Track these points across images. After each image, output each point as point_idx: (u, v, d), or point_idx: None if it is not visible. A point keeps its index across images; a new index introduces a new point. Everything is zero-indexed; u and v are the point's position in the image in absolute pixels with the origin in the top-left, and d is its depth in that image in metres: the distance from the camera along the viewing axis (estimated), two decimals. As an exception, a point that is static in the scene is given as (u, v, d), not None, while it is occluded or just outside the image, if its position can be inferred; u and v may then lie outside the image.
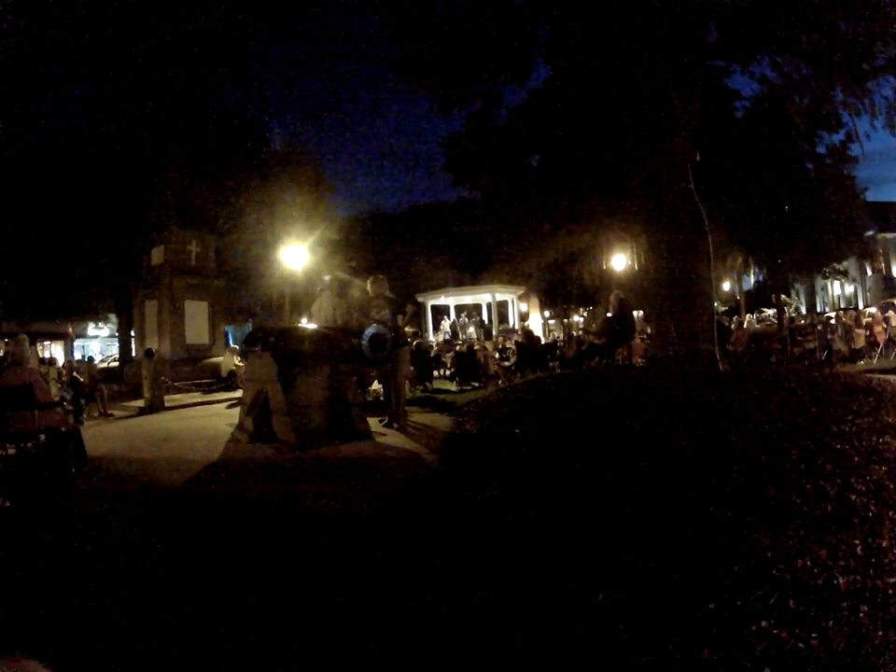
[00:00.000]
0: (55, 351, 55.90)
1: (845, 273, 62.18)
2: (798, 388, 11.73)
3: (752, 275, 61.89)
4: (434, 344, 34.64)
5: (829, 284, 73.00)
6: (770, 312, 57.14)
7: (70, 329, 55.98)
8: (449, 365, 27.79)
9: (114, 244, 37.15)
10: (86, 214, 36.20)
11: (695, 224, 15.96)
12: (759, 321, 52.67)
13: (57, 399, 15.72)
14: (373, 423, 13.47)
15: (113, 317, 50.12)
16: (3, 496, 8.79)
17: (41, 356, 44.88)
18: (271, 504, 8.59)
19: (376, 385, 17.27)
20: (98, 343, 64.42)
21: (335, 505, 8.28)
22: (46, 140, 37.62)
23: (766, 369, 17.78)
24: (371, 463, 10.68)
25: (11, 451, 11.25)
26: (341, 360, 13.16)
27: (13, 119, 31.77)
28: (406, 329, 16.00)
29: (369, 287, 14.16)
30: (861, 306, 60.18)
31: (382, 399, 15.71)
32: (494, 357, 27.89)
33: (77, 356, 50.49)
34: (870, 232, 56.40)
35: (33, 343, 44.57)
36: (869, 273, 74.84)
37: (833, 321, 34.73)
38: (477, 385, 23.21)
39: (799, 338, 30.99)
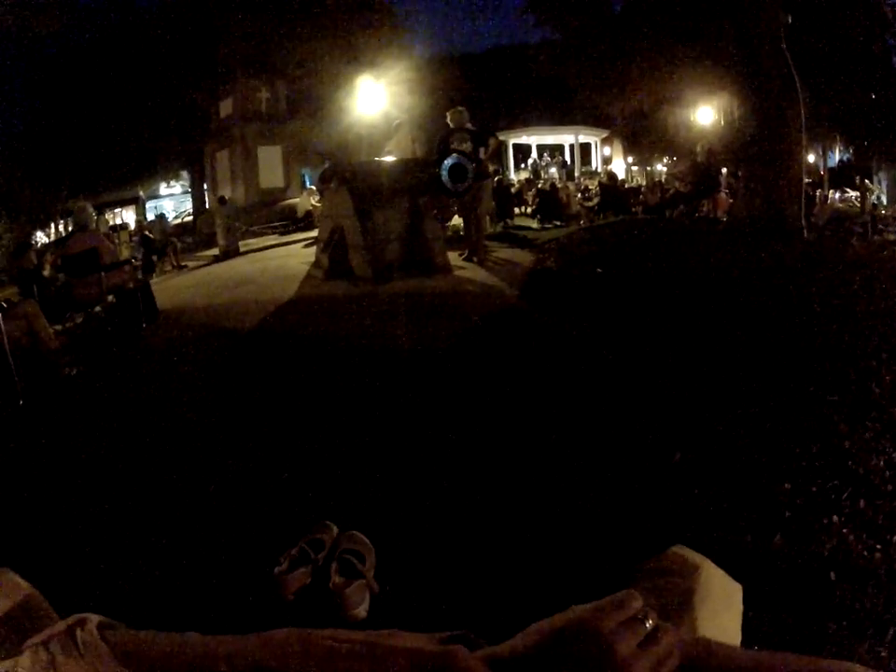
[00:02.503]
0: (127, 216, 56.13)
1: None
2: (882, 274, 11.09)
3: (838, 152, 60.44)
4: (516, 182, 34.11)
5: None
6: (852, 194, 55.82)
7: (141, 193, 56.08)
8: (530, 203, 27.32)
9: (181, 100, 36.63)
10: (150, 74, 35.60)
11: (787, 85, 15.33)
12: (840, 200, 51.70)
13: (127, 258, 15.57)
14: (453, 257, 13.06)
15: (184, 174, 50.04)
16: (70, 364, 8.42)
17: (112, 223, 44.98)
18: (345, 338, 8.30)
19: (456, 220, 16.76)
20: (171, 202, 64.46)
21: (412, 337, 8.09)
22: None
23: (849, 248, 17.23)
24: (449, 296, 10.40)
25: (79, 319, 10.94)
26: (419, 193, 12.59)
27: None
28: (488, 164, 15.44)
29: (449, 118, 13.49)
30: None
31: (461, 233, 15.17)
32: (576, 197, 27.28)
33: (151, 216, 50.55)
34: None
35: (102, 212, 44.94)
36: None
37: None
38: (558, 223, 22.60)
39: (880, 227, 30.02)
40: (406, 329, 8.33)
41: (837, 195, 50.35)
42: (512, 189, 27.85)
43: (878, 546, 3.59)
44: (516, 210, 25.86)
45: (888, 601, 3.18)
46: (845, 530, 3.71)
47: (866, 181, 48.62)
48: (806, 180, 47.01)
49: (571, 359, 6.62)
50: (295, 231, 24.25)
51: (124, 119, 36.32)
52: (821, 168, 60.30)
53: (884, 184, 69.88)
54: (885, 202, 57.84)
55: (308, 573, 2.73)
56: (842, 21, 33.58)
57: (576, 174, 41.90)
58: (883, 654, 2.85)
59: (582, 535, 3.60)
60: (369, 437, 5.02)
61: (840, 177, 57.97)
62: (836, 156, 62.06)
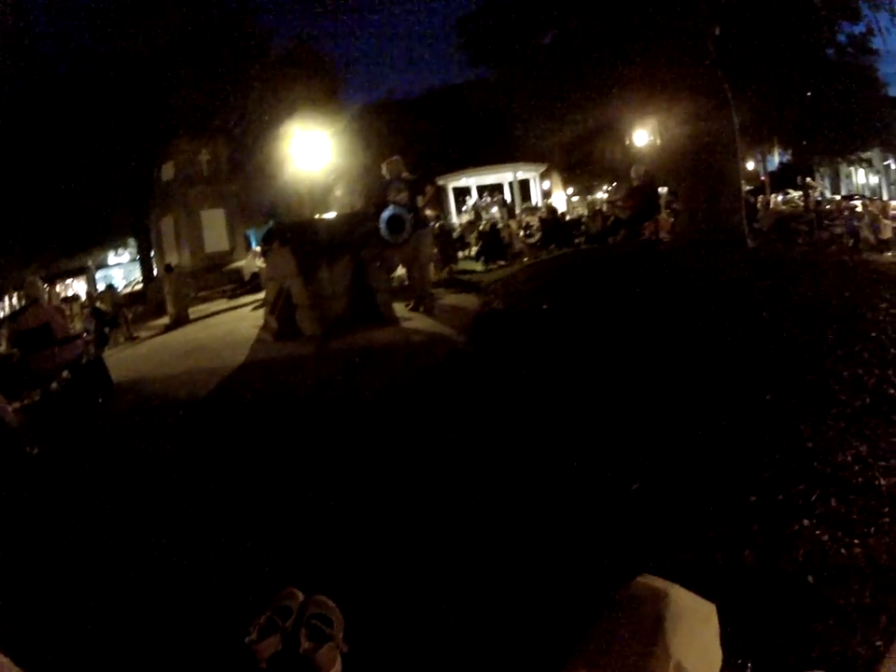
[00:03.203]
0: (77, 286, 56.00)
1: (869, 163, 60.91)
2: (829, 271, 11.22)
3: (777, 156, 61.20)
4: (457, 226, 34.34)
5: (853, 172, 71.81)
6: (795, 194, 56.63)
7: (90, 262, 55.97)
8: (473, 245, 27.44)
9: (124, 168, 36.55)
10: (92, 143, 35.51)
11: (719, 97, 15.28)
12: (784, 202, 52.45)
13: (80, 332, 15.59)
14: (399, 308, 13.18)
15: (132, 242, 49.92)
16: (31, 443, 8.53)
17: (64, 294, 44.87)
18: (298, 398, 8.43)
19: (401, 270, 16.88)
20: (121, 270, 64.20)
21: (364, 390, 8.20)
22: (42, 73, 36.91)
23: (795, 249, 17.45)
24: (397, 348, 10.51)
25: (37, 396, 11.03)
26: (361, 246, 12.80)
27: (9, 48, 31.27)
28: (428, 211, 15.60)
29: (385, 169, 13.64)
30: (885, 198, 59.44)
31: (407, 283, 15.25)
32: (518, 234, 27.50)
33: (101, 286, 50.40)
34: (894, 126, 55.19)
35: (52, 283, 44.64)
36: (893, 165, 74.04)
37: (859, 208, 34.24)
38: (503, 263, 22.82)
39: (826, 222, 30.67)
40: (355, 386, 8.45)
41: (780, 197, 50.87)
42: (455, 234, 28.10)
43: (856, 541, 3.68)
44: (460, 254, 25.97)
45: (874, 591, 3.28)
46: (818, 532, 3.80)
47: (808, 179, 49.19)
48: (748, 187, 47.51)
49: (520, 399, 6.71)
50: (243, 294, 24.17)
51: (70, 187, 36.22)
52: (762, 173, 61.07)
53: (826, 179, 70.86)
54: (829, 196, 58.68)
55: (278, 640, 2.78)
56: (772, 20, 34.03)
57: (517, 211, 42.09)
58: (878, 643, 2.94)
59: (549, 574, 3.73)
60: (324, 495, 5.16)
61: (782, 179, 58.48)
62: (776, 159, 62.79)
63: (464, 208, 46.33)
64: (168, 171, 32.35)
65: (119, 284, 47.44)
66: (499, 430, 5.96)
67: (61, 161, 35.03)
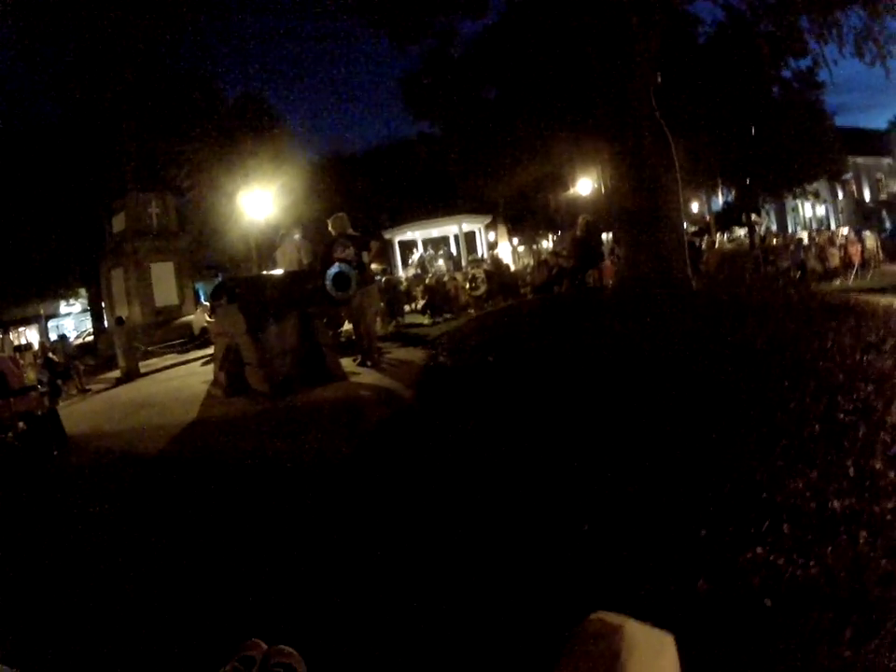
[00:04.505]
0: (30, 335, 55.44)
1: (816, 195, 61.46)
2: (774, 306, 11.58)
3: (721, 196, 61.58)
4: (404, 279, 34.54)
5: (800, 204, 72.51)
6: (741, 232, 57.08)
7: (42, 311, 55.46)
8: (420, 298, 27.66)
9: (75, 218, 36.58)
10: (44, 192, 35.44)
11: (661, 147, 15.59)
12: (730, 241, 52.84)
13: (34, 382, 15.58)
14: (347, 363, 13.39)
15: (83, 292, 49.52)
16: None
17: (16, 342, 44.55)
18: (247, 458, 8.54)
19: (348, 326, 17.01)
20: (72, 320, 63.51)
21: (311, 451, 8.29)
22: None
23: (740, 287, 17.66)
24: (345, 404, 10.66)
25: None
26: (308, 303, 12.99)
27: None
28: (374, 266, 15.79)
29: (330, 226, 13.83)
30: (833, 227, 60.26)
31: (354, 338, 15.34)
32: (464, 287, 27.82)
33: (53, 336, 49.89)
34: (841, 157, 55.81)
35: (6, 331, 44.25)
36: (840, 195, 75.16)
37: (805, 241, 34.83)
38: (449, 316, 23.11)
39: (772, 257, 31.15)
40: (304, 444, 8.58)
41: (726, 237, 51.47)
42: (401, 287, 28.29)
43: (812, 562, 3.87)
44: (407, 307, 26.34)
45: (836, 606, 3.46)
46: (772, 558, 3.96)
47: (753, 215, 49.77)
48: (693, 229, 47.76)
49: (467, 455, 6.80)
50: (193, 349, 24.13)
51: (22, 235, 36.04)
52: (706, 214, 61.73)
53: (772, 214, 71.57)
54: (774, 229, 59.32)
55: (244, 688, 2.97)
56: (714, 65, 34.34)
57: (463, 263, 42.30)
58: (847, 654, 3.12)
59: (503, 620, 3.84)
60: (271, 554, 5.32)
61: (727, 218, 59.27)
62: (720, 199, 63.31)
63: (410, 261, 46.44)
64: (119, 222, 32.18)
65: (71, 334, 47.00)
66: (446, 486, 6.08)
67: (12, 209, 34.96)
